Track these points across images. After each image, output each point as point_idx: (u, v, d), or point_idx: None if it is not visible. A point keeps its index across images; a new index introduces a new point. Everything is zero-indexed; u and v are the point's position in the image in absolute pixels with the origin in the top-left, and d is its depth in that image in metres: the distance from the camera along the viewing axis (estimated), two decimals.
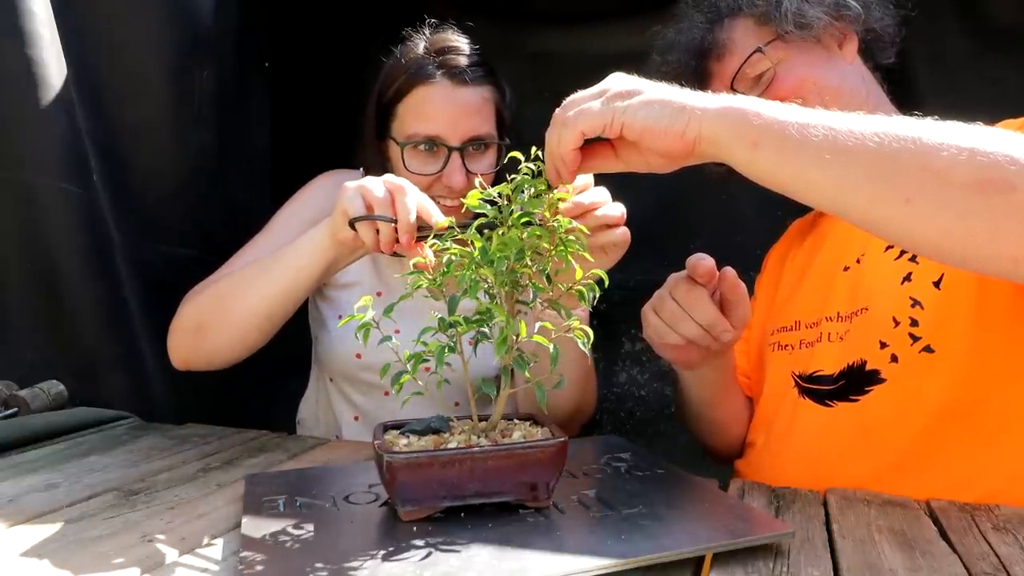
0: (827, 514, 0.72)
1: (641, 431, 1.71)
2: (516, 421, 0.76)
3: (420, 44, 1.12)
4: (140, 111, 1.28)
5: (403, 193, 0.86)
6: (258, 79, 1.47)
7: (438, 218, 0.86)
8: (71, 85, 1.18)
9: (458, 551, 0.60)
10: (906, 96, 1.05)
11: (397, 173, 1.08)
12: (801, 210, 1.14)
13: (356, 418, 1.23)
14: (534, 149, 0.71)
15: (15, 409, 1.06)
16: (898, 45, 1.03)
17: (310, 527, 0.66)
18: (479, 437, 0.70)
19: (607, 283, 0.71)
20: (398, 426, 0.75)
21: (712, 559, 0.60)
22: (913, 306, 0.84)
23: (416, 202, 0.86)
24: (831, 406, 0.89)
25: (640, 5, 1.09)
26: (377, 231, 0.87)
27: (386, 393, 1.19)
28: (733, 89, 0.97)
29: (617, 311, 1.55)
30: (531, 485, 0.68)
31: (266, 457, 0.94)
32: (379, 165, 1.16)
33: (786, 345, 0.98)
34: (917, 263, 0.86)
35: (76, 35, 1.19)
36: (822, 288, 0.97)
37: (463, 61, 1.09)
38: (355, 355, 1.17)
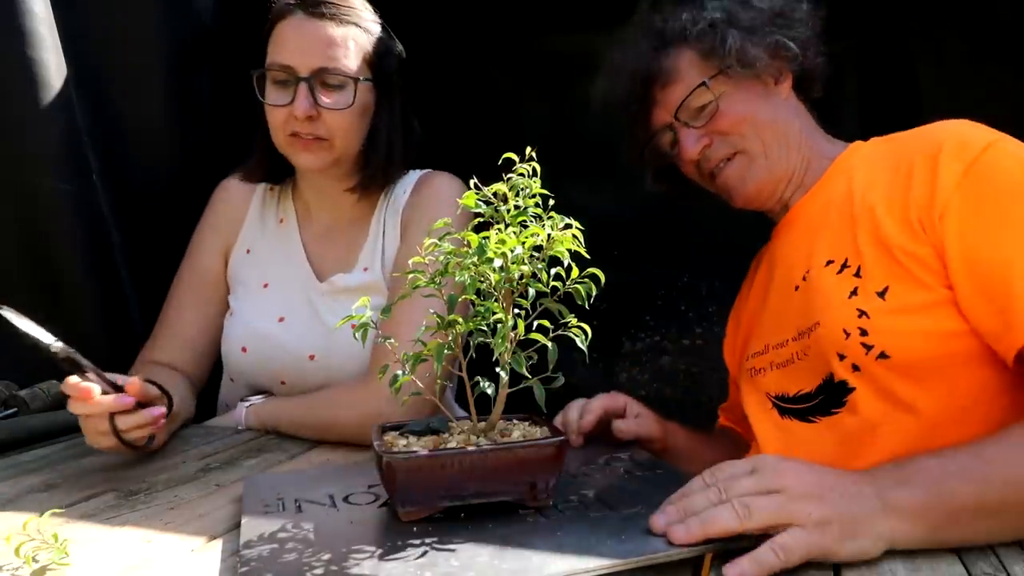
0: None
1: None
2: (515, 421, 0.76)
3: None
4: (140, 110, 1.29)
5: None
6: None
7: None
8: (71, 85, 1.18)
9: (458, 551, 0.60)
10: (908, 97, 1.05)
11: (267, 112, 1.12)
12: None
13: None
14: (529, 149, 0.71)
15: (15, 409, 1.06)
16: (827, 81, 1.06)
17: (310, 527, 0.66)
18: (478, 437, 0.70)
19: (603, 281, 0.71)
20: (398, 426, 0.75)
21: (712, 559, 0.60)
22: (860, 316, 0.85)
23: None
24: (815, 421, 0.90)
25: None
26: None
27: (283, 382, 1.17)
28: (676, 119, 1.00)
29: (617, 311, 1.54)
30: (531, 484, 0.68)
31: (265, 457, 0.94)
32: (262, 146, 1.18)
33: (760, 369, 1.00)
34: (861, 277, 0.87)
35: (76, 35, 1.19)
36: (781, 310, 0.98)
37: None
38: (240, 349, 1.17)
